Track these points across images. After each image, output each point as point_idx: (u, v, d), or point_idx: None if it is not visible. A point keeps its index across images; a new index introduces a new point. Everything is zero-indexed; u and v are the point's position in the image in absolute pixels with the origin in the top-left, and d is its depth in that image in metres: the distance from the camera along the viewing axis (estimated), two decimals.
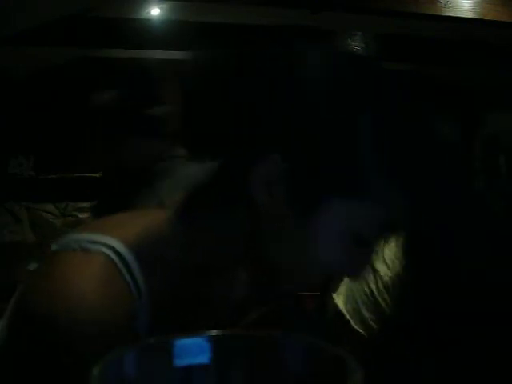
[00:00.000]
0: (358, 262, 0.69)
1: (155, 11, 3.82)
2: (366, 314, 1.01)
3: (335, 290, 1.11)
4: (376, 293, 1.00)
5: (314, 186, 0.64)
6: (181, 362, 0.41)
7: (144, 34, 3.80)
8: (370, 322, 1.02)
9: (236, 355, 0.42)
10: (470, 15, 3.64)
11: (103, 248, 0.67)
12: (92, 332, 0.63)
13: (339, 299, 1.07)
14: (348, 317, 1.05)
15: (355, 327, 1.04)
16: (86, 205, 3.66)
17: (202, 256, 0.73)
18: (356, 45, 4.66)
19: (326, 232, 0.66)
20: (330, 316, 1.09)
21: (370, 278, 1.01)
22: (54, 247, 0.71)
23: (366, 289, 1.02)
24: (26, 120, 4.38)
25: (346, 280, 1.06)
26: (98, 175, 3.12)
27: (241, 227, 0.71)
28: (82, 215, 3.82)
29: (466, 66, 4.55)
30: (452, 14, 3.63)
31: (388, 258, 1.00)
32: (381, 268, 1.00)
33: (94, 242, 0.68)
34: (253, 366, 0.43)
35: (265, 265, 0.72)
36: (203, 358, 0.41)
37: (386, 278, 0.99)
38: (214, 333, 0.42)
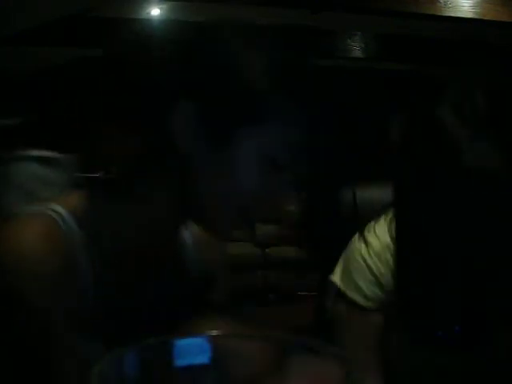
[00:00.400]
0: (276, 187, 0.76)
1: (155, 11, 3.82)
2: (360, 281, 1.08)
3: (332, 271, 1.15)
4: (368, 259, 1.08)
5: (225, 121, 0.72)
6: (181, 362, 0.41)
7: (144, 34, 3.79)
8: (365, 290, 1.08)
9: (236, 355, 0.42)
10: (469, 15, 3.64)
11: (46, 210, 0.75)
12: (39, 273, 0.70)
13: (336, 277, 1.12)
14: (344, 288, 1.09)
15: (351, 297, 1.08)
16: None
17: (138, 225, 0.79)
18: (356, 45, 4.67)
19: (244, 161, 0.73)
20: (331, 297, 1.14)
21: (362, 247, 1.09)
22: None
23: (359, 257, 1.09)
24: (26, 120, 4.37)
25: (341, 258, 1.13)
26: (98, 175, 3.12)
27: (172, 187, 0.77)
28: None
29: (465, 66, 4.54)
30: (452, 14, 3.63)
31: (378, 232, 1.09)
32: (372, 240, 1.08)
33: (40, 207, 0.76)
34: (253, 366, 0.43)
35: (202, 214, 0.78)
36: (203, 358, 0.42)
37: (378, 248, 1.07)
38: (213, 333, 0.42)
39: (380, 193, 1.29)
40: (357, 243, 1.11)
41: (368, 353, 1.07)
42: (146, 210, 0.78)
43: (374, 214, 1.14)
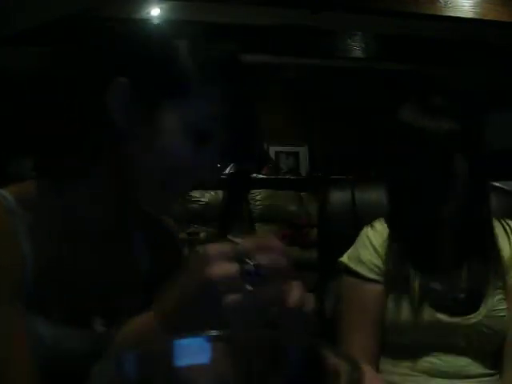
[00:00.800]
0: (205, 159, 0.79)
1: (155, 11, 3.82)
2: (363, 255, 1.23)
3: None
4: (371, 236, 1.24)
5: (154, 93, 0.77)
6: (181, 362, 0.41)
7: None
8: (367, 262, 1.22)
9: (236, 355, 0.42)
10: (470, 15, 3.64)
11: None
12: None
13: (344, 258, 1.26)
14: (349, 263, 1.23)
15: (355, 269, 1.22)
16: None
17: (85, 209, 0.82)
18: (356, 45, 4.67)
19: (172, 132, 0.77)
20: (338, 273, 1.28)
21: (369, 230, 1.25)
22: None
23: (364, 237, 1.25)
24: (27, 120, 4.37)
25: (352, 246, 1.27)
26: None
27: (113, 165, 0.80)
28: None
29: (465, 66, 4.55)
30: (452, 14, 3.63)
31: (383, 219, 1.26)
32: (377, 225, 1.26)
33: None
34: (253, 365, 0.43)
35: (138, 189, 0.80)
36: (203, 358, 0.42)
37: (380, 228, 1.25)
38: (213, 333, 0.42)
39: (379, 193, 1.35)
40: (365, 229, 1.27)
41: (369, 318, 1.21)
42: (91, 193, 0.82)
43: (372, 214, 1.29)
